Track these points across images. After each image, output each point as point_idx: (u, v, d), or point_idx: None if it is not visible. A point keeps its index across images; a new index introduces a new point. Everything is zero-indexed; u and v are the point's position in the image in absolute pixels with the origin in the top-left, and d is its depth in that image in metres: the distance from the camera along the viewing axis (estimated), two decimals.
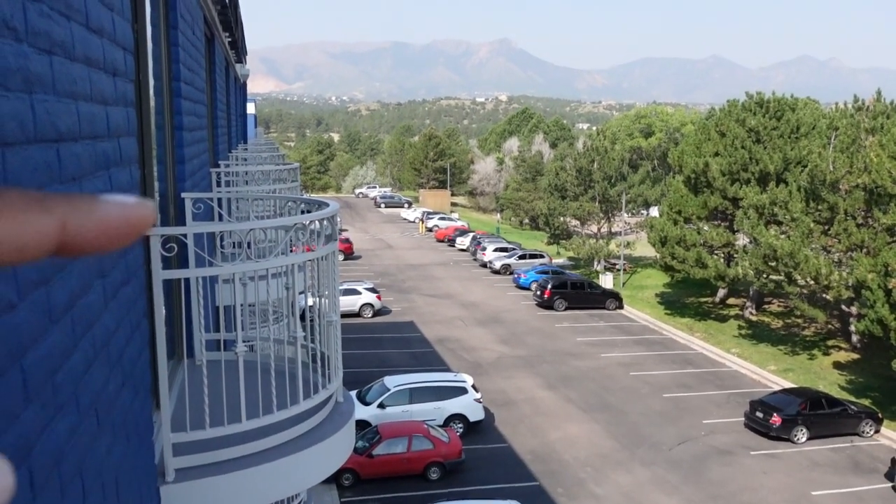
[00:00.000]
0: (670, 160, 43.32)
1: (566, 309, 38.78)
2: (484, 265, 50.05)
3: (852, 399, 26.42)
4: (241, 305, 3.84)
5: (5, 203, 0.40)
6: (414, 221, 72.65)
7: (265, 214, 7.68)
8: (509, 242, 53.95)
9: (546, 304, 38.98)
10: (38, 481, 1.58)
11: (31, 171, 1.66)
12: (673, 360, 31.87)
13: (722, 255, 38.48)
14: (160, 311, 3.31)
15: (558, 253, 54.16)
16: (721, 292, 40.80)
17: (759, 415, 23.97)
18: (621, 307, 40.13)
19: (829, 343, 33.76)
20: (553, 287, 39.12)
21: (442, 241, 61.29)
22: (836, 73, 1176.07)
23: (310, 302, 4.21)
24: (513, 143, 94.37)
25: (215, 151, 10.18)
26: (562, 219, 51.32)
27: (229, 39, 12.93)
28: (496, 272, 48.33)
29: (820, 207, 30.66)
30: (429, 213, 71.31)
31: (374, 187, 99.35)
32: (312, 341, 4.28)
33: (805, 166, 33.37)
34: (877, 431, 24.54)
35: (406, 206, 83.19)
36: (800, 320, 36.35)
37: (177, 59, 5.59)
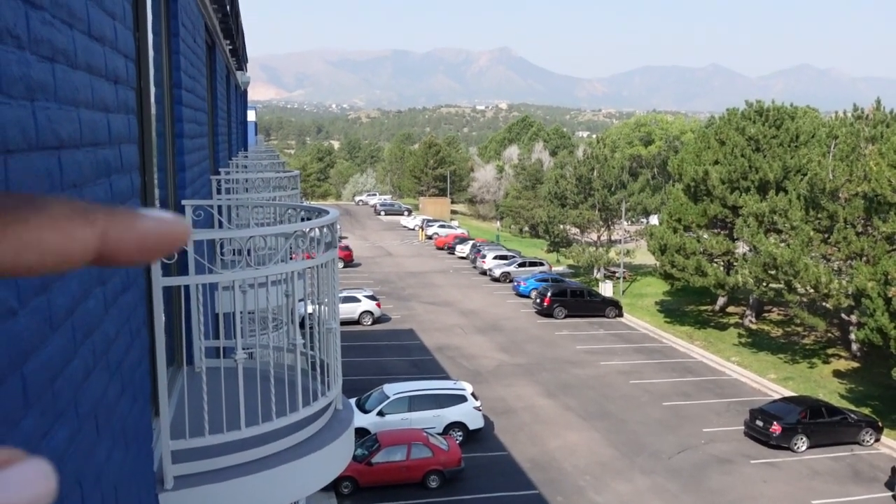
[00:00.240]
0: (670, 168, 43.37)
1: (566, 317, 38.76)
2: (483, 273, 50.05)
3: (852, 408, 26.37)
4: (241, 313, 3.84)
5: (51, 213, 0.42)
6: (414, 229, 72.68)
7: (265, 222, 7.69)
8: (509, 250, 53.94)
9: (546, 312, 38.96)
10: None
11: (33, 178, 1.67)
12: (673, 368, 31.83)
13: (722, 263, 38.48)
14: (160, 319, 3.31)
15: (558, 261, 54.17)
16: (721, 300, 40.79)
17: (759, 423, 23.93)
18: (621, 315, 40.11)
19: (829, 351, 33.73)
20: (553, 295, 39.12)
21: (442, 249, 61.29)
22: (835, 81, 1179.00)
23: (309, 309, 4.22)
24: (513, 151, 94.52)
25: (216, 159, 10.20)
26: (561, 227, 51.34)
27: (230, 47, 12.97)
28: (496, 280, 48.32)
29: (820, 216, 30.69)
30: (428, 221, 71.35)
31: (374, 195, 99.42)
32: (312, 349, 4.28)
33: (805, 175, 33.41)
34: (877, 440, 24.49)
35: (406, 213, 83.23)
36: (800, 329, 36.33)
37: (178, 67, 5.60)
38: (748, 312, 38.82)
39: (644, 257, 49.20)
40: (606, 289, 43.69)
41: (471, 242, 57.87)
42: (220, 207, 6.38)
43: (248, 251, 3.72)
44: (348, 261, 51.72)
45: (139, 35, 4.06)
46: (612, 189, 49.02)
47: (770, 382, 30.52)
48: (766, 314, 39.52)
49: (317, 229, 3.93)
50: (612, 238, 51.36)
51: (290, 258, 4.19)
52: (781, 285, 31.42)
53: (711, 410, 26.89)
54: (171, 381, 4.32)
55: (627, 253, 47.50)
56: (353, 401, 21.88)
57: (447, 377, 28.22)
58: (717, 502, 20.24)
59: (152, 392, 3.36)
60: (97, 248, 0.43)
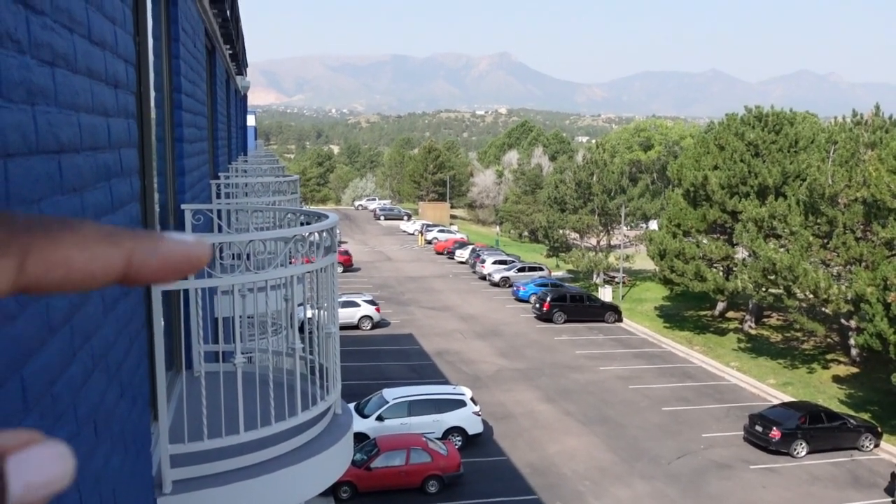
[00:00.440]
0: (669, 173, 43.41)
1: (565, 322, 38.74)
2: (483, 278, 50.04)
3: (852, 413, 26.35)
4: (240, 317, 3.84)
5: (81, 235, 0.44)
6: (413, 234, 72.70)
7: (264, 226, 7.69)
8: (508, 255, 53.96)
9: (545, 317, 38.94)
10: None
11: (33, 182, 1.67)
12: (672, 373, 31.81)
13: (721, 268, 38.48)
14: (159, 323, 3.31)
15: (557, 266, 54.17)
16: (720, 305, 40.78)
17: (759, 428, 23.90)
18: (620, 320, 40.09)
19: (829, 357, 33.73)
20: (552, 300, 39.10)
21: (441, 254, 61.30)
22: (834, 87, 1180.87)
23: (309, 314, 4.22)
24: (512, 156, 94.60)
25: (215, 163, 10.21)
26: (561, 231, 51.36)
27: (230, 52, 12.99)
28: (495, 285, 48.31)
29: (819, 221, 30.71)
30: (428, 226, 71.38)
31: (374, 199, 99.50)
32: (311, 353, 4.28)
33: (804, 180, 33.45)
34: (876, 446, 24.47)
35: (405, 218, 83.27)
36: (799, 334, 36.32)
37: (178, 72, 5.61)
38: (747, 317, 38.82)
39: (643, 262, 49.22)
40: (606, 294, 43.69)
41: (470, 247, 57.88)
42: (219, 212, 6.38)
43: (248, 255, 3.73)
44: (348, 265, 51.71)
45: (139, 39, 4.07)
46: (612, 194, 49.05)
47: (769, 388, 30.50)
48: (765, 319, 39.52)
49: (316, 234, 3.93)
50: (612, 243, 51.39)
51: (290, 262, 4.20)
52: (781, 290, 31.43)
53: (711, 416, 26.87)
54: (169, 385, 4.32)
55: (627, 258, 47.53)
56: (352, 405, 21.89)
57: (446, 382, 28.19)
58: None
59: (151, 396, 3.36)
60: (122, 269, 0.45)
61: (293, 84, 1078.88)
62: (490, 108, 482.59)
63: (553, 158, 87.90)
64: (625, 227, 49.81)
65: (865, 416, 26.37)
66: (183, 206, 5.61)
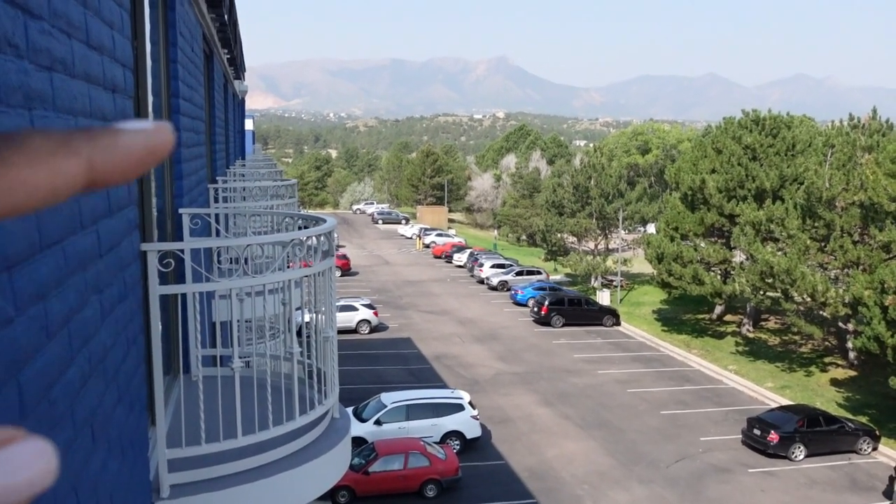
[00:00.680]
0: (667, 177, 43.47)
1: (563, 325, 38.75)
2: (481, 281, 50.04)
3: (850, 416, 26.35)
4: (238, 321, 3.84)
5: (33, 149, 0.40)
6: (411, 238, 72.71)
7: (262, 230, 7.69)
8: (506, 259, 53.97)
9: (543, 321, 38.95)
10: (33, 497, 1.58)
11: None
12: (670, 376, 31.81)
13: (719, 271, 38.51)
14: (157, 327, 3.30)
15: (555, 269, 54.18)
16: (718, 309, 40.81)
17: (757, 432, 23.90)
18: (618, 324, 40.10)
19: (827, 360, 33.74)
20: (550, 303, 39.11)
21: (439, 258, 61.30)
22: (831, 91, 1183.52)
23: (306, 318, 4.22)
24: (510, 160, 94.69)
25: (213, 167, 10.21)
26: (559, 235, 51.38)
27: (228, 56, 13.00)
28: (493, 288, 48.31)
29: (816, 224, 30.76)
30: (426, 230, 71.41)
31: (372, 203, 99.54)
32: (309, 357, 4.28)
33: (801, 183, 33.50)
34: (874, 449, 24.47)
35: (403, 222, 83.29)
36: (797, 337, 36.35)
37: (176, 76, 5.62)
38: (745, 321, 38.84)
39: (641, 266, 49.25)
40: (604, 297, 43.70)
41: (468, 251, 57.89)
42: (217, 216, 6.38)
43: (246, 259, 3.73)
44: (346, 269, 51.71)
45: (137, 44, 4.07)
46: (610, 198, 49.09)
47: (767, 391, 30.51)
48: (763, 323, 39.54)
49: (314, 238, 3.93)
50: (610, 247, 51.41)
51: (288, 267, 4.20)
52: (778, 294, 31.46)
53: (709, 419, 26.86)
54: (167, 389, 4.32)
55: (625, 261, 47.55)
56: (350, 410, 21.89)
57: (444, 386, 28.17)
58: None
59: (149, 400, 3.36)
60: (85, 176, 0.42)
61: (291, 88, 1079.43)
62: (488, 112, 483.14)
63: (551, 162, 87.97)
64: (623, 231, 49.85)
65: (863, 420, 26.37)
66: (181, 211, 5.61)
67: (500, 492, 20.45)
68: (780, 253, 32.19)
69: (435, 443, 21.71)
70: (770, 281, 31.23)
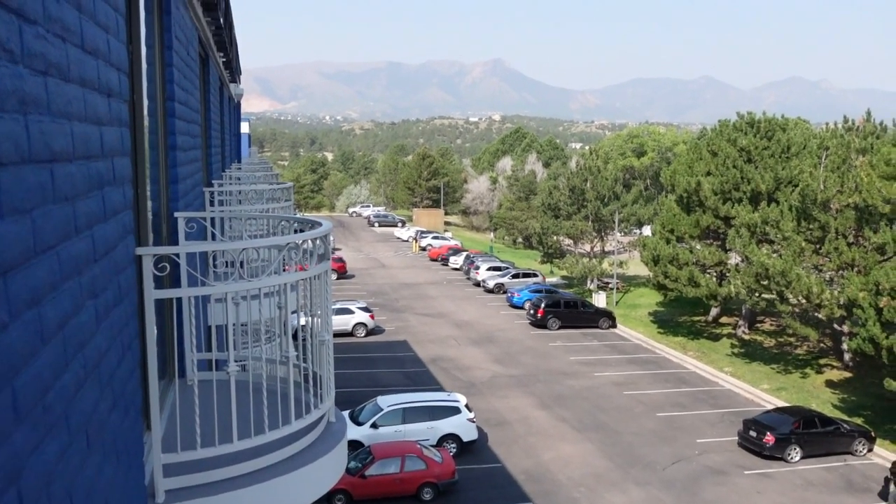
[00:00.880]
0: (663, 179, 43.56)
1: (559, 328, 38.78)
2: (477, 284, 50.05)
3: (845, 418, 26.41)
4: (234, 325, 3.83)
5: None
6: (407, 240, 72.71)
7: (258, 234, 7.68)
8: (502, 261, 54.00)
9: (539, 323, 38.97)
10: (28, 503, 1.58)
11: (25, 191, 1.67)
12: (666, 378, 31.84)
13: (714, 273, 38.59)
14: (152, 331, 3.30)
15: (551, 272, 54.22)
16: (714, 311, 40.88)
17: (753, 434, 23.93)
18: (614, 326, 40.15)
19: (822, 361, 33.81)
20: (546, 306, 39.14)
21: (435, 260, 61.30)
22: (826, 93, 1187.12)
23: (302, 321, 4.21)
24: (506, 163, 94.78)
25: (209, 171, 10.19)
26: (555, 238, 51.44)
27: (224, 59, 12.99)
28: (489, 291, 48.32)
29: (811, 226, 30.84)
30: (422, 232, 71.43)
31: (368, 206, 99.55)
32: (305, 361, 4.27)
33: (796, 186, 33.60)
34: (870, 450, 24.52)
35: (399, 225, 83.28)
36: (792, 339, 36.43)
37: (171, 80, 5.61)
38: (741, 323, 38.92)
39: (637, 268, 49.31)
40: (600, 300, 43.73)
41: (464, 254, 57.92)
42: (213, 219, 6.37)
43: (241, 263, 3.72)
44: (342, 272, 51.68)
45: (132, 48, 4.07)
46: (606, 200, 49.17)
47: (763, 393, 30.56)
48: (758, 324, 39.62)
49: (310, 241, 3.93)
50: (606, 249, 51.48)
51: (283, 270, 4.19)
52: (774, 296, 31.52)
53: (705, 421, 26.89)
54: (162, 394, 4.30)
55: (621, 264, 47.61)
56: (346, 413, 21.87)
57: (441, 389, 28.17)
58: None
59: (144, 405, 3.35)
60: None
61: (287, 91, 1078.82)
62: (484, 115, 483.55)
63: (547, 165, 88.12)
64: (618, 233, 49.91)
65: (859, 421, 26.43)
66: (176, 214, 5.60)
67: (496, 495, 20.44)
68: (775, 255, 32.26)
69: (431, 446, 21.69)
70: (765, 283, 31.29)
